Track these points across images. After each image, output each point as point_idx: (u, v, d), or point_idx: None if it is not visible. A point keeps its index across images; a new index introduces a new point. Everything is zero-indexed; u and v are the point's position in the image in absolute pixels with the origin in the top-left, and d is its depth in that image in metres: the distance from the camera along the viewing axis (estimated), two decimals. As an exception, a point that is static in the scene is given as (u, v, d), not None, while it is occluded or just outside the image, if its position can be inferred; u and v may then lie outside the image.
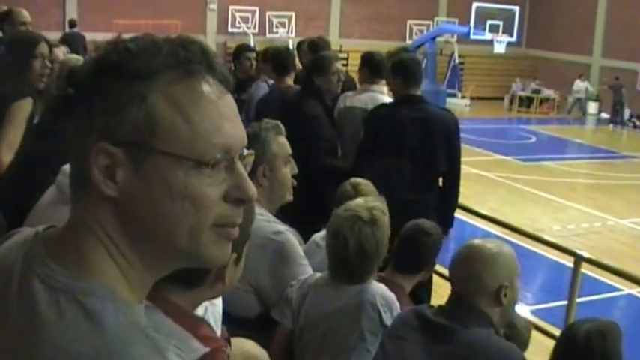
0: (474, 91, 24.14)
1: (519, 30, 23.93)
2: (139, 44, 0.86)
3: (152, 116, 0.83)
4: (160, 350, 0.82)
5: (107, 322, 0.79)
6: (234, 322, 2.08)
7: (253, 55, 6.35)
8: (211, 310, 1.76)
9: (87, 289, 0.82)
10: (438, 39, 22.47)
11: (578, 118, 22.49)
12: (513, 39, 23.12)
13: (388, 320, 2.40)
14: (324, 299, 2.47)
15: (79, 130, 0.86)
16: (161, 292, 1.39)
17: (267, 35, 21.76)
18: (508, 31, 22.83)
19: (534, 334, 3.41)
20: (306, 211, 3.37)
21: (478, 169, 13.44)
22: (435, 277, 4.12)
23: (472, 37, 21.50)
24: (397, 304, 2.48)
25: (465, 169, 4.77)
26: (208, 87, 0.86)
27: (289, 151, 2.76)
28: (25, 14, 5.27)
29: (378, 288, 2.47)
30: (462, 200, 4.58)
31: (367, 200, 2.58)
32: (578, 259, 4.23)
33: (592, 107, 23.35)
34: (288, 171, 2.75)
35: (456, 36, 23.19)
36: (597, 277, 6.75)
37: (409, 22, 24.58)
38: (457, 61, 23.85)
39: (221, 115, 0.86)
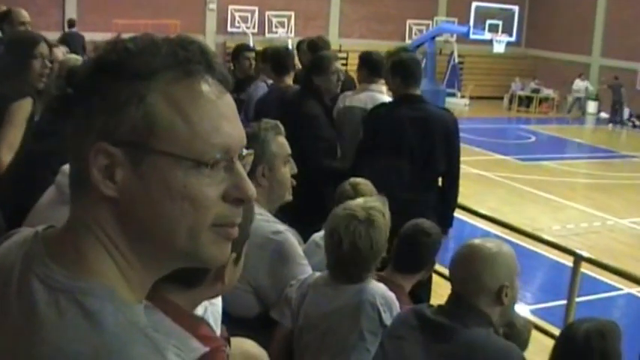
0: (474, 91, 24.13)
1: (519, 30, 23.93)
2: (138, 44, 0.86)
3: (151, 116, 0.83)
4: (159, 350, 0.82)
5: (106, 322, 0.79)
6: (233, 322, 2.08)
7: (252, 54, 6.33)
8: (211, 310, 1.76)
9: (86, 289, 0.82)
10: (438, 38, 22.45)
11: (578, 117, 22.49)
12: (513, 39, 23.11)
13: (388, 320, 2.40)
14: (323, 299, 2.47)
15: (78, 130, 0.86)
16: (160, 291, 1.39)
17: (267, 35, 21.76)
18: (507, 30, 22.82)
19: (534, 333, 3.40)
20: (305, 210, 3.36)
21: (477, 168, 13.43)
22: (434, 276, 4.13)
23: (471, 36, 21.48)
24: (397, 304, 2.47)
25: (464, 168, 4.77)
26: (207, 87, 0.86)
27: (288, 150, 2.76)
28: (25, 14, 5.26)
29: (378, 288, 2.46)
30: (461, 200, 4.58)
31: (367, 200, 2.57)
32: (578, 258, 4.23)
33: (591, 107, 23.35)
34: (287, 171, 2.75)
35: (455, 35, 23.18)
36: (597, 276, 6.74)
37: (408, 21, 24.57)
38: (456, 60, 23.85)
39: (220, 115, 0.86)
